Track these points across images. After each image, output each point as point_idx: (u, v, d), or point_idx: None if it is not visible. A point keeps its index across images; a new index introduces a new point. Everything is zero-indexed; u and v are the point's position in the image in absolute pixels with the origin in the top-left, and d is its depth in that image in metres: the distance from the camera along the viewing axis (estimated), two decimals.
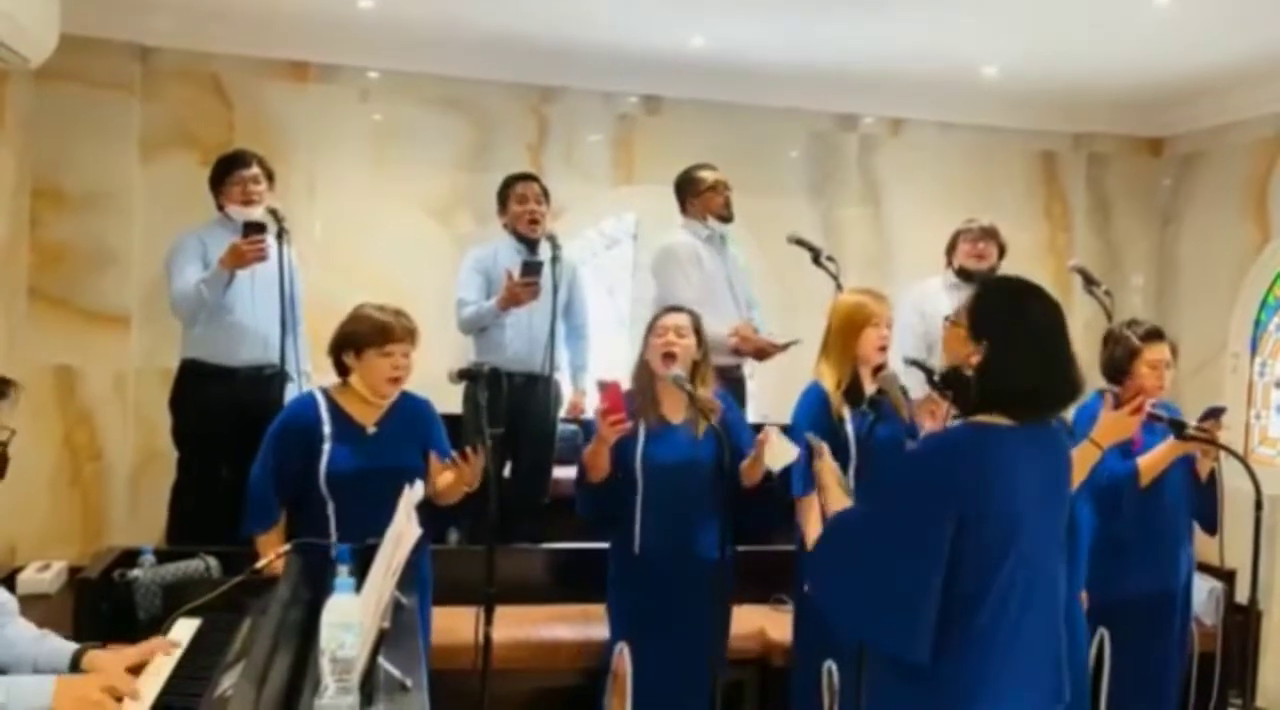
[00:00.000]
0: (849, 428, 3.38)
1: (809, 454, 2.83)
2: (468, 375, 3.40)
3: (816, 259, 4.23)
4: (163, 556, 3.31)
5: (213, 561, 3.31)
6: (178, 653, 2.41)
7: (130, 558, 3.29)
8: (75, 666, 2.29)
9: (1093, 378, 3.34)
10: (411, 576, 2.53)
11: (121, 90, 4.87)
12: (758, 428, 3.66)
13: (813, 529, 3.34)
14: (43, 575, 4.26)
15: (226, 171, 4.14)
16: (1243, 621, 3.84)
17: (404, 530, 2.13)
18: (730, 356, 4.38)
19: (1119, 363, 3.59)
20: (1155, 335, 3.59)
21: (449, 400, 3.93)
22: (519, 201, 4.41)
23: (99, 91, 4.81)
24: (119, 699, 2.12)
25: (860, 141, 5.83)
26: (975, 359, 2.16)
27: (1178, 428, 3.48)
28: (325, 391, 3.26)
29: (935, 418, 3.01)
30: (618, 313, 5.87)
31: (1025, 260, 5.17)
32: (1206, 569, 4.05)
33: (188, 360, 4.15)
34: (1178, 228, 5.85)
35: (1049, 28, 4.49)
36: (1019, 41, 4.71)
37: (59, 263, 4.80)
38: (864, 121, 5.83)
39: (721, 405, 3.52)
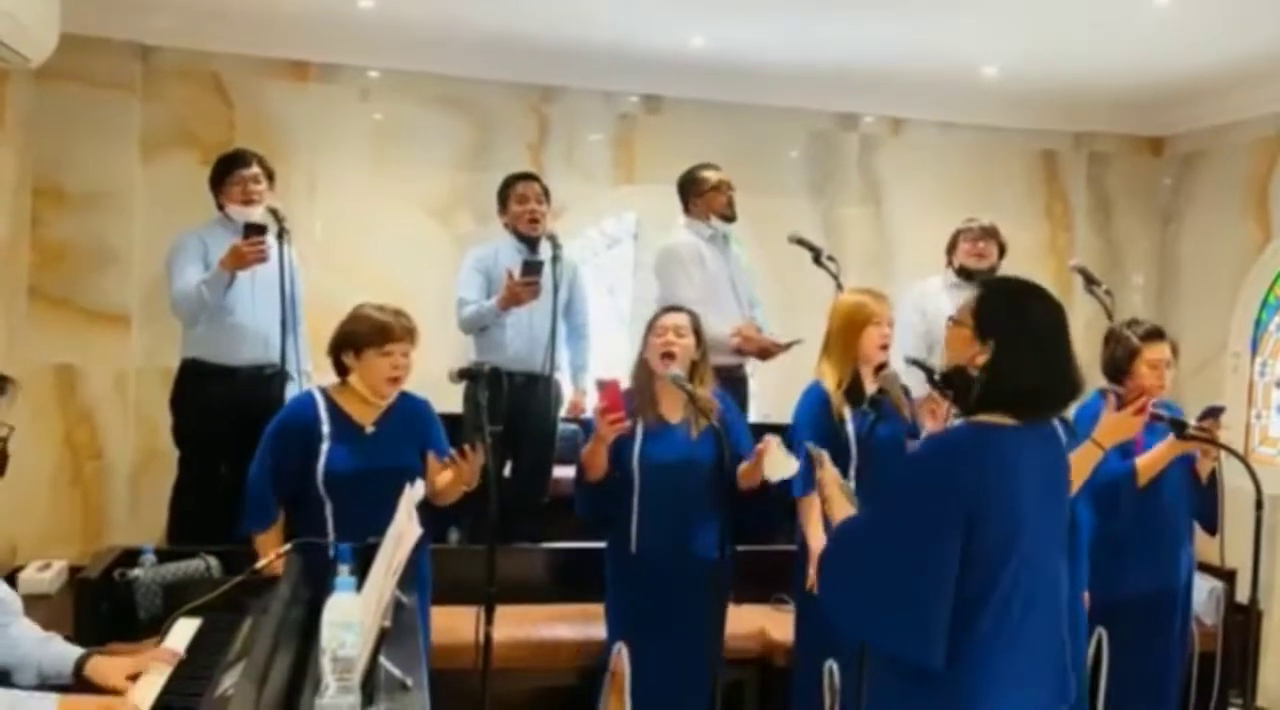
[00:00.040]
0: (850, 427, 3.38)
1: (809, 460, 2.83)
2: (468, 375, 3.39)
3: (817, 258, 4.23)
4: (163, 556, 3.30)
5: (213, 561, 3.31)
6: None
7: (131, 557, 3.28)
8: (78, 672, 2.30)
9: (1093, 377, 3.34)
10: (412, 576, 2.54)
11: (122, 90, 4.87)
12: (759, 427, 3.66)
13: (813, 530, 3.35)
14: (43, 575, 4.26)
15: (227, 171, 4.14)
16: (1243, 621, 3.84)
17: (405, 529, 2.13)
18: (733, 356, 4.38)
19: (1119, 362, 3.59)
20: (1156, 335, 3.59)
21: (449, 400, 3.93)
22: (519, 201, 4.41)
23: (99, 91, 4.81)
24: None
25: (861, 141, 5.83)
26: (981, 358, 2.16)
27: (1178, 427, 3.48)
28: (324, 391, 3.26)
29: (936, 417, 3.02)
30: (618, 312, 5.87)
31: (1026, 260, 5.17)
32: (1207, 569, 4.05)
33: (188, 360, 4.15)
34: (1178, 227, 5.85)
35: (1049, 28, 4.48)
36: (1019, 41, 4.71)
37: (60, 262, 4.80)
38: (864, 121, 5.83)
39: (720, 405, 3.51)
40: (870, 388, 3.36)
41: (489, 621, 3.06)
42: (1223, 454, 3.58)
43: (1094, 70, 5.08)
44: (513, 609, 3.53)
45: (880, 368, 3.38)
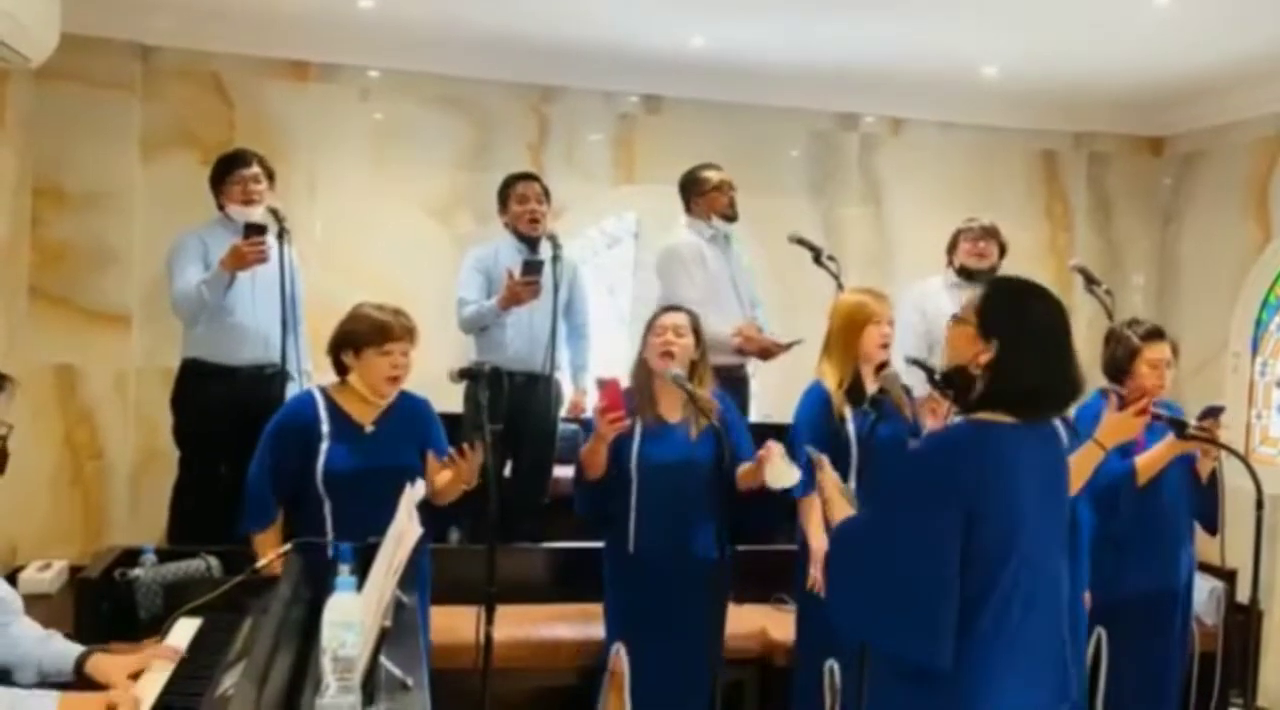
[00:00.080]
0: (851, 427, 3.38)
1: (810, 463, 2.83)
2: (468, 374, 3.39)
3: (817, 258, 4.24)
4: (164, 556, 3.30)
5: (214, 561, 3.31)
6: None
7: (131, 557, 3.28)
8: (79, 670, 2.29)
9: (1093, 377, 3.34)
10: (412, 575, 2.53)
11: (122, 89, 4.87)
12: (760, 428, 3.66)
13: (814, 530, 3.34)
14: (43, 575, 4.26)
15: (227, 171, 4.14)
16: (1244, 621, 3.84)
17: (405, 529, 2.13)
18: (734, 356, 4.38)
19: (1120, 362, 3.59)
20: (1156, 334, 3.59)
21: (449, 399, 3.93)
22: (519, 201, 4.41)
23: (99, 91, 4.81)
24: None
25: (861, 141, 5.83)
26: (984, 357, 2.16)
27: (1178, 427, 3.48)
28: (324, 390, 3.26)
29: (937, 416, 3.02)
30: (618, 312, 5.87)
31: (1026, 260, 5.17)
32: (1207, 568, 4.04)
33: (189, 359, 4.15)
34: (1179, 227, 5.85)
35: (1049, 28, 4.48)
36: (1019, 41, 4.71)
37: (60, 262, 4.80)
38: (864, 121, 5.83)
39: (719, 405, 3.51)
40: (871, 387, 3.36)
41: (489, 621, 3.06)
42: (1223, 454, 3.58)
43: (1094, 70, 5.08)
44: (513, 609, 3.53)
45: (881, 367, 3.38)
